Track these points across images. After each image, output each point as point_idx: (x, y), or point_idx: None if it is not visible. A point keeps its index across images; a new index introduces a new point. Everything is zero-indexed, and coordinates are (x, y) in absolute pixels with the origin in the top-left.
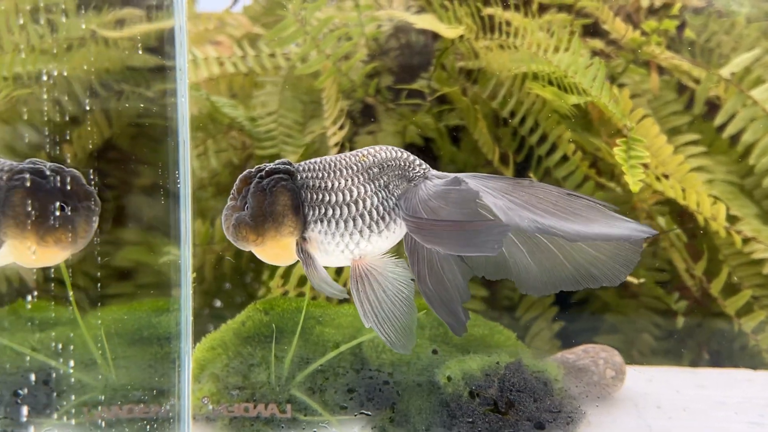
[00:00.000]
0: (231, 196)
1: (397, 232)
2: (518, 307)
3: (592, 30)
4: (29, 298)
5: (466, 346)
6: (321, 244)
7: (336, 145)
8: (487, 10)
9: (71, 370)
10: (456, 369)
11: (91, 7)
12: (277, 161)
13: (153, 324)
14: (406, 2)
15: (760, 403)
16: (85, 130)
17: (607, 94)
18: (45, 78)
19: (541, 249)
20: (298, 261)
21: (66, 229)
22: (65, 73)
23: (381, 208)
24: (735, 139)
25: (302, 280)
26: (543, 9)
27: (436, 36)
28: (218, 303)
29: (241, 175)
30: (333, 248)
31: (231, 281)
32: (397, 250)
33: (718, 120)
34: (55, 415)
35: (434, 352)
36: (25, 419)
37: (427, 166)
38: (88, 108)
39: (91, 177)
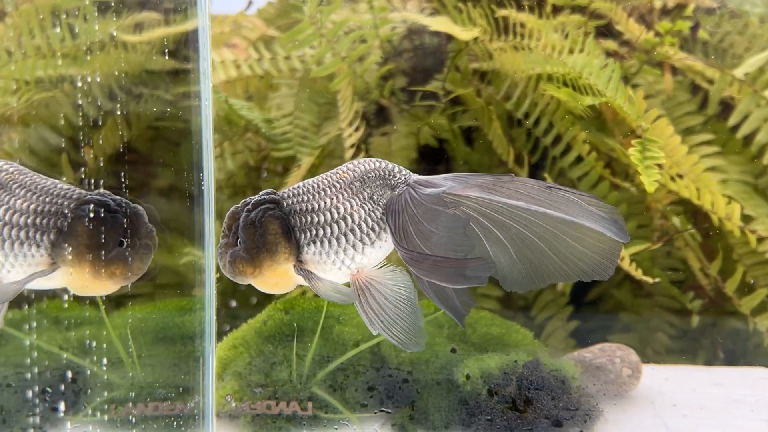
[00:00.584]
0: (222, 233)
1: (388, 240)
2: (533, 306)
3: (606, 31)
4: (65, 297)
5: (484, 345)
6: (317, 264)
7: (352, 146)
8: (501, 12)
9: (99, 369)
10: (474, 367)
11: (110, 12)
12: (261, 192)
13: (177, 323)
14: (419, 4)
15: None
16: (105, 132)
17: (622, 95)
18: (67, 82)
19: (528, 245)
20: (298, 286)
21: (121, 264)
22: (88, 78)
23: (369, 219)
24: (749, 139)
25: None
26: (557, 10)
27: (449, 38)
28: (233, 303)
29: (228, 212)
30: (330, 266)
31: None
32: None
33: (732, 120)
34: (83, 413)
35: (453, 350)
36: (53, 416)
37: (408, 172)
38: (108, 111)
39: (122, 180)
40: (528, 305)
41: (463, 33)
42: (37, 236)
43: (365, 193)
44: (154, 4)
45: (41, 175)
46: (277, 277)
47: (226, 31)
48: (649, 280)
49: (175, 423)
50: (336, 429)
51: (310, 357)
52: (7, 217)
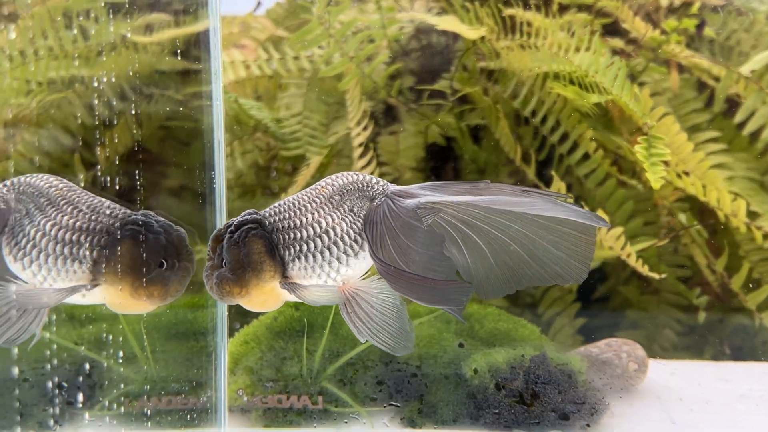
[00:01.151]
0: (207, 256)
1: None
2: (540, 303)
3: (612, 29)
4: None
5: (492, 340)
6: (303, 279)
7: (360, 145)
8: (508, 11)
9: (114, 364)
10: (482, 362)
11: (121, 13)
12: (243, 213)
13: (189, 319)
14: (427, 4)
15: None
16: (116, 133)
17: (628, 92)
18: (79, 82)
19: (506, 250)
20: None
21: (160, 285)
22: (103, 78)
23: (351, 231)
24: (755, 136)
25: None
26: (563, 9)
27: (457, 37)
28: None
29: (212, 235)
30: (315, 280)
31: None
32: None
33: (738, 117)
34: (98, 406)
35: (460, 345)
36: (69, 410)
37: (386, 182)
38: (119, 111)
39: (135, 179)
40: (535, 302)
41: (471, 32)
42: (81, 253)
43: (345, 206)
44: (165, 6)
45: (89, 193)
46: (264, 296)
47: (235, 32)
48: (656, 276)
49: (188, 416)
50: (346, 422)
51: (320, 352)
52: (53, 233)
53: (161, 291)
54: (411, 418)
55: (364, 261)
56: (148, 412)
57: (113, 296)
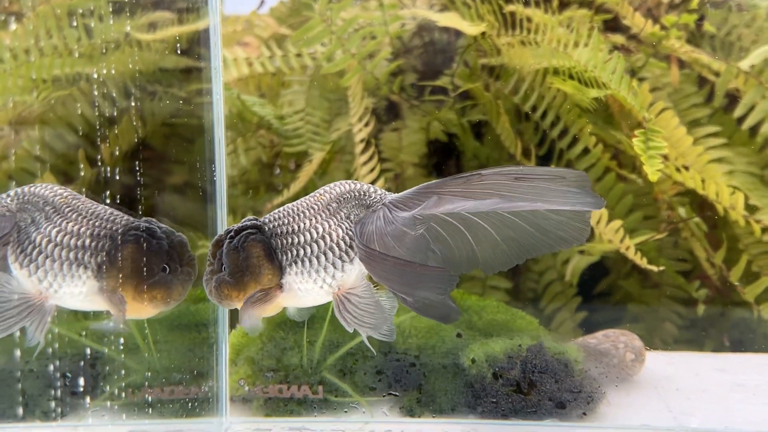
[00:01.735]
0: (207, 261)
1: None
2: (542, 298)
3: (615, 26)
4: None
5: (489, 331)
6: (300, 284)
7: (361, 141)
8: (509, 8)
9: (117, 355)
10: (480, 352)
11: (124, 11)
12: (243, 220)
13: (191, 311)
14: (429, 1)
15: None
16: (120, 130)
17: (625, 87)
18: (83, 80)
19: (507, 224)
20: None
21: (162, 289)
22: (102, 76)
23: (347, 238)
24: (754, 130)
25: None
26: (564, 5)
27: (458, 33)
28: None
29: (212, 241)
30: (312, 285)
31: None
32: None
33: (738, 112)
34: (102, 397)
35: (458, 335)
36: (73, 400)
37: (383, 192)
38: (123, 108)
39: (138, 176)
40: (537, 297)
41: (471, 28)
42: (85, 258)
43: (342, 214)
44: (168, 4)
45: (92, 201)
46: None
47: (239, 30)
48: (654, 268)
49: (190, 406)
50: (346, 412)
51: (320, 342)
52: (58, 239)
53: (164, 295)
54: (410, 408)
55: (358, 266)
56: (151, 403)
57: (117, 303)
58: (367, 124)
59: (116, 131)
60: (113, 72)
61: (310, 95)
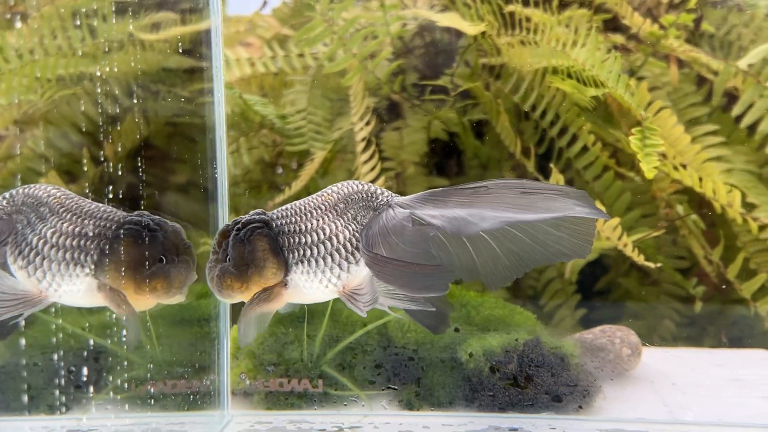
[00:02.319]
0: (212, 250)
1: None
2: (542, 295)
3: (615, 25)
4: None
5: (487, 325)
6: (306, 282)
7: (362, 140)
8: (509, 8)
9: (120, 349)
10: (477, 346)
11: (128, 12)
12: (251, 212)
13: (194, 306)
14: (430, 1)
15: None
16: (123, 129)
17: (622, 86)
18: (89, 79)
19: (510, 238)
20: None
21: (161, 279)
22: (105, 75)
23: (354, 239)
24: (753, 128)
25: None
26: (564, 5)
27: (459, 33)
28: None
29: (219, 230)
30: (317, 285)
31: None
32: None
33: (736, 110)
34: (106, 390)
35: (456, 330)
36: (77, 393)
37: (391, 194)
38: (126, 108)
39: (140, 172)
40: (536, 294)
41: (471, 28)
42: (82, 257)
43: (349, 214)
44: (171, 4)
45: (86, 199)
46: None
47: (242, 30)
48: (651, 265)
49: (192, 399)
50: (345, 405)
51: (320, 337)
52: (54, 239)
53: (164, 285)
54: (408, 401)
55: (364, 268)
56: (154, 396)
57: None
58: (368, 123)
59: (119, 130)
60: (116, 71)
61: (312, 95)
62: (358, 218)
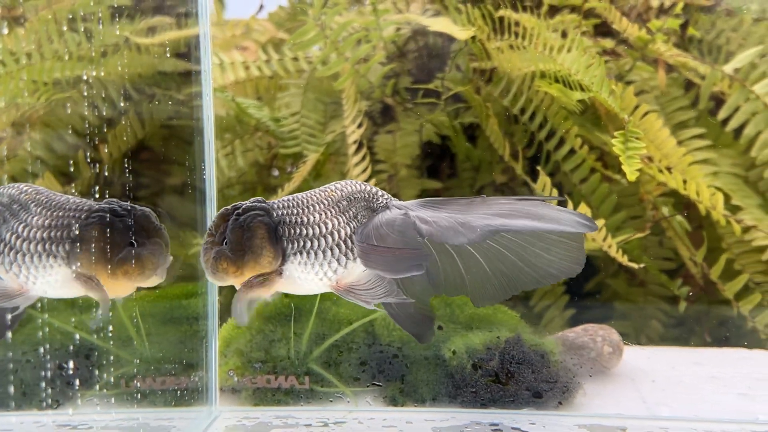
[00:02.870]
0: (208, 232)
1: None
2: (531, 296)
3: (606, 31)
4: None
5: (471, 324)
6: (301, 273)
7: (354, 143)
8: (499, 13)
9: (110, 347)
10: (460, 343)
11: (124, 16)
12: (251, 199)
13: (183, 305)
14: (422, 6)
15: (750, 378)
16: (119, 131)
17: (606, 90)
18: (82, 83)
19: (501, 259)
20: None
21: (134, 264)
22: (101, 78)
23: (353, 237)
24: (738, 132)
25: None
26: (555, 11)
27: (452, 38)
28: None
29: (218, 213)
30: (312, 277)
31: None
32: None
33: (722, 114)
34: (96, 387)
35: (440, 328)
36: (68, 390)
37: (389, 196)
38: (122, 111)
39: (134, 176)
40: (526, 294)
41: (461, 32)
42: (53, 248)
43: (351, 212)
44: (167, 9)
45: (57, 193)
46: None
47: (238, 34)
48: (635, 266)
49: (180, 395)
50: (331, 401)
51: (307, 335)
52: (26, 233)
53: (137, 268)
54: (393, 397)
55: (360, 265)
56: (141, 393)
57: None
58: (360, 126)
59: (114, 133)
60: (111, 75)
61: (306, 98)
62: (359, 217)
